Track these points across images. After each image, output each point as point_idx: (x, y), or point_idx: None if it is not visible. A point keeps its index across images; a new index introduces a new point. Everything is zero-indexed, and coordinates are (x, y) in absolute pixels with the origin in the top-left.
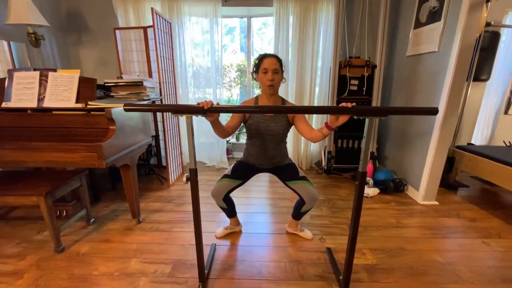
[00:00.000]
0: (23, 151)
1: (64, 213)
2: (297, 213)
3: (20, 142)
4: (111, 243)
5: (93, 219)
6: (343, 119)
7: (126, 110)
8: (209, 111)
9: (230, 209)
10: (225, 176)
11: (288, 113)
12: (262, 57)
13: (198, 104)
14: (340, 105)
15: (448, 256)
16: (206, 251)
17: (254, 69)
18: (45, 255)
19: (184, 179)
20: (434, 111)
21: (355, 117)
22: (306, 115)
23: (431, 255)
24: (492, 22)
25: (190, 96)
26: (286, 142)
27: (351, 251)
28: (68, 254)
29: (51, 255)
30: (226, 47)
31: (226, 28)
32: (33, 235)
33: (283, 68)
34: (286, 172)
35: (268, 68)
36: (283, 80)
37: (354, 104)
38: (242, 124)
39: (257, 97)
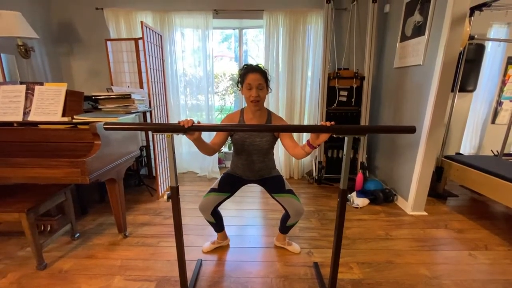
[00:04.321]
0: (5, 167)
1: (49, 228)
2: (284, 227)
3: (3, 158)
4: (95, 259)
5: (78, 234)
6: (323, 137)
7: (106, 129)
8: (190, 129)
9: (218, 224)
10: (212, 190)
11: (270, 131)
12: (246, 72)
13: (179, 122)
14: (319, 123)
15: (434, 270)
16: (192, 267)
17: (239, 80)
18: (27, 272)
19: (165, 197)
20: (411, 130)
21: (334, 135)
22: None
23: (418, 268)
24: (476, 36)
25: (182, 103)
26: (273, 154)
27: (334, 267)
28: (50, 271)
29: (34, 272)
30: (221, 53)
31: (222, 35)
32: (16, 251)
33: (269, 78)
34: (273, 184)
35: (252, 84)
36: (269, 90)
37: (333, 122)
38: (228, 138)
39: (242, 110)
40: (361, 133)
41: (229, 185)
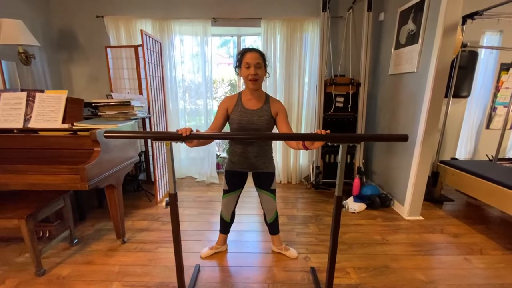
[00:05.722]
0: (5, 173)
1: (47, 234)
2: (268, 226)
3: (3, 164)
4: (93, 265)
5: (76, 240)
6: (318, 144)
7: (106, 137)
8: (188, 138)
9: (229, 225)
10: (226, 192)
11: (265, 139)
12: (244, 52)
13: (177, 131)
14: (315, 131)
15: (430, 274)
16: (190, 272)
17: (237, 64)
18: (25, 278)
19: (164, 204)
20: (404, 138)
21: (329, 143)
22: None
23: (414, 273)
24: (468, 43)
25: (181, 108)
26: (272, 141)
27: (330, 273)
28: (48, 278)
29: (32, 279)
30: (220, 59)
31: (221, 39)
32: (14, 257)
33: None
34: (263, 179)
35: (250, 62)
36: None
37: (328, 131)
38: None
39: (240, 93)
40: (355, 141)
41: (236, 182)
